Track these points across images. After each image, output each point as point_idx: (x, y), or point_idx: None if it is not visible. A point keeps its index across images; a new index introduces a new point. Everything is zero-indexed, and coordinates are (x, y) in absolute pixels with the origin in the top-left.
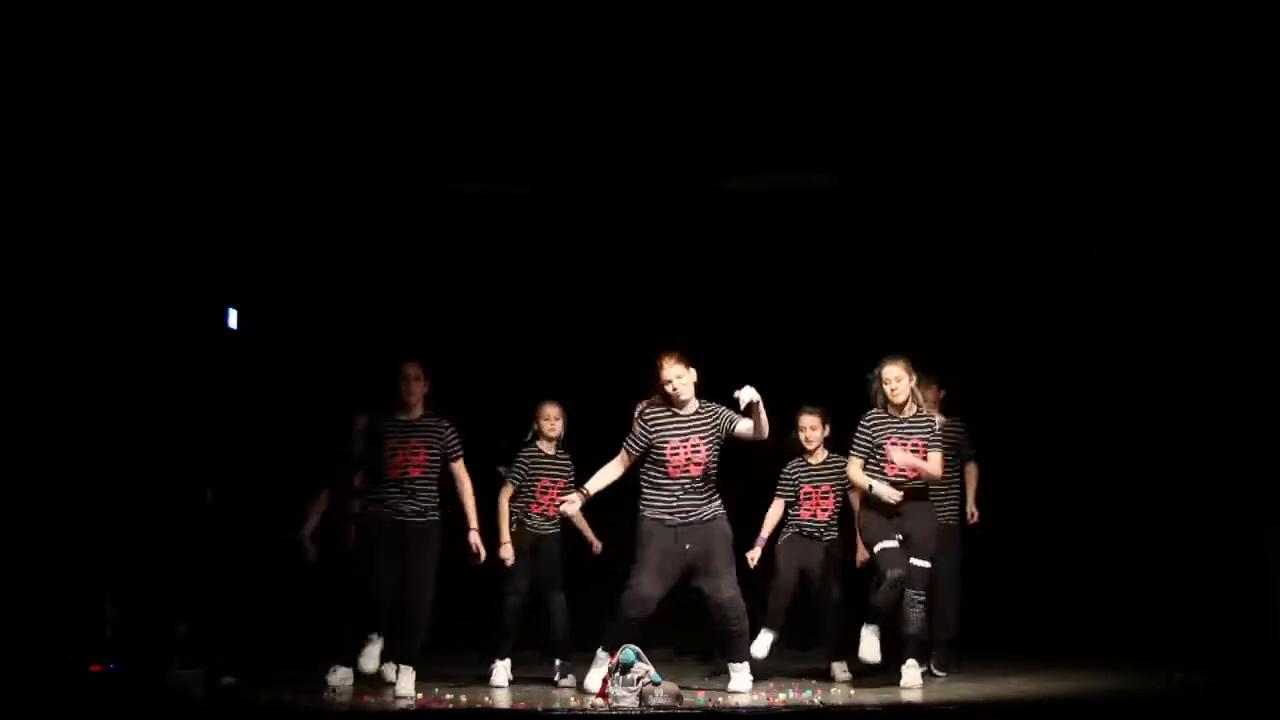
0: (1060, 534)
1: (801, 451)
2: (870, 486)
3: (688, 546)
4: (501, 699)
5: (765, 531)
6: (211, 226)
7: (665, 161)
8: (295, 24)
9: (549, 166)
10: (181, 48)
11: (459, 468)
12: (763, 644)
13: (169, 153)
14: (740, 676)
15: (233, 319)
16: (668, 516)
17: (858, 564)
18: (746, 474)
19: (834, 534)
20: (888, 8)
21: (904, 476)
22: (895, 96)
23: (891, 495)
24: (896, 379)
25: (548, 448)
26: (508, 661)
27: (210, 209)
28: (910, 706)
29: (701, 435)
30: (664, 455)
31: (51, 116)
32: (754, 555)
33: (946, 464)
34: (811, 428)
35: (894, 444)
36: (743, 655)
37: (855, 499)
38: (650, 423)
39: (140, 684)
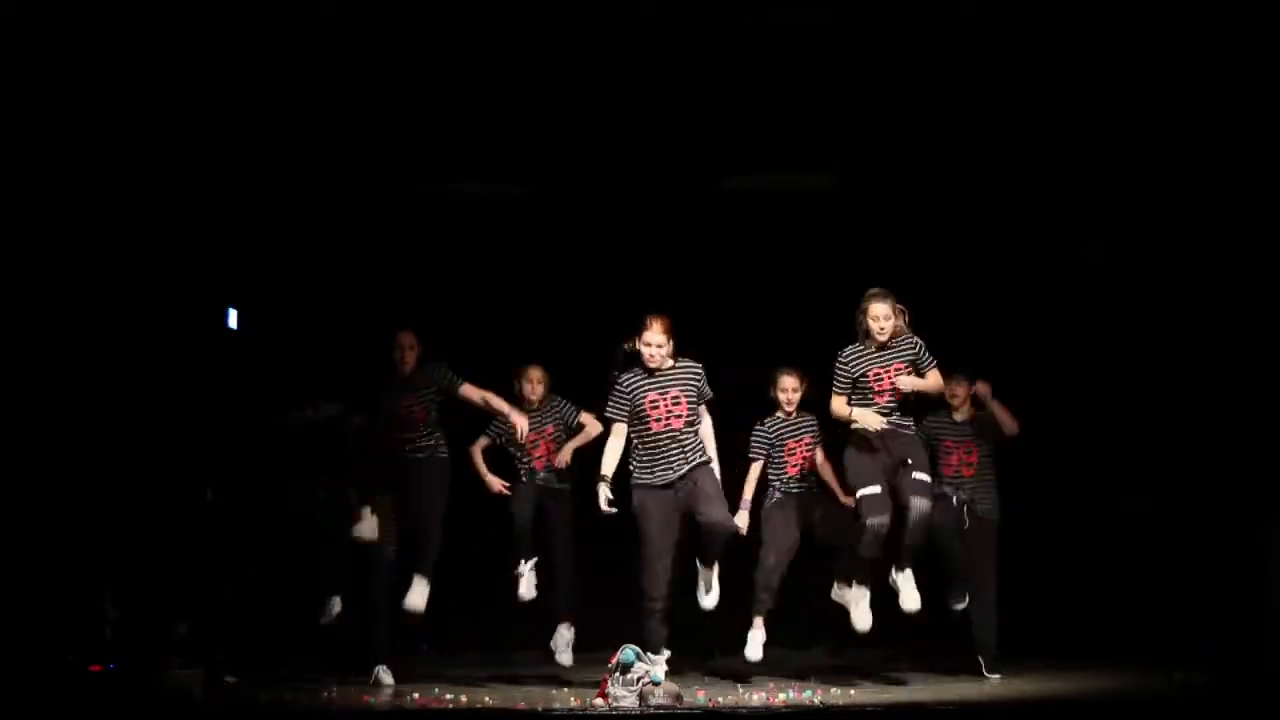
0: (1060, 534)
1: (776, 409)
2: (851, 413)
3: (680, 494)
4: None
5: (748, 493)
6: (211, 226)
7: (665, 161)
8: (295, 24)
9: (549, 166)
10: (181, 48)
11: (466, 389)
12: (755, 644)
13: (169, 153)
14: (709, 597)
15: (233, 319)
16: (658, 479)
17: (841, 505)
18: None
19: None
20: (888, 8)
21: (893, 403)
22: (895, 96)
23: (876, 421)
24: (886, 318)
25: (530, 406)
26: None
27: (210, 209)
28: (910, 706)
29: (681, 388)
30: (644, 410)
31: (52, 117)
32: (743, 519)
33: (979, 456)
34: (793, 389)
35: (896, 373)
36: (713, 559)
37: (819, 456)
38: (628, 384)
39: (140, 684)
